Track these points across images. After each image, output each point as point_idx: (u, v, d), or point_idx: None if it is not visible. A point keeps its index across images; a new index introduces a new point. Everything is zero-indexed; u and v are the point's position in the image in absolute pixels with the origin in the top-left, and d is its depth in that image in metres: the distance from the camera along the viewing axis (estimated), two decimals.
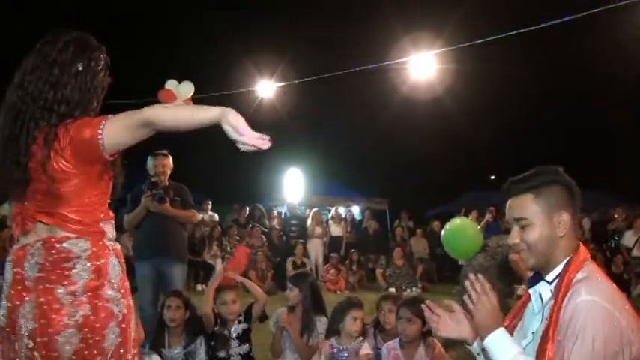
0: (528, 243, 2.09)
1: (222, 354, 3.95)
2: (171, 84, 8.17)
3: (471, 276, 2.17)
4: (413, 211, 15.74)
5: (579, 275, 1.97)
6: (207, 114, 2.07)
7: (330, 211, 14.41)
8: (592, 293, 1.88)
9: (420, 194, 20.06)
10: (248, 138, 2.05)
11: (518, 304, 2.34)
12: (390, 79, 10.97)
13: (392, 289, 10.28)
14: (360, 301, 4.03)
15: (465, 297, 2.15)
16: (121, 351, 2.09)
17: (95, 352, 2.03)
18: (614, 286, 1.99)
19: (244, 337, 4.05)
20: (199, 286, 10.29)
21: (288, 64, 11.52)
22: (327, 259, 12.19)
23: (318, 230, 12.47)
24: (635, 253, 11.56)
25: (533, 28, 7.10)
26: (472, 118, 19.88)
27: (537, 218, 2.07)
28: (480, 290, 2.12)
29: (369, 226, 13.85)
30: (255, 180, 17.65)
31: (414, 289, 10.77)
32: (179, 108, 2.15)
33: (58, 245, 2.05)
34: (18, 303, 2.03)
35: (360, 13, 18.93)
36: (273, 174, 16.90)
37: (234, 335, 4.00)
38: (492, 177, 26.78)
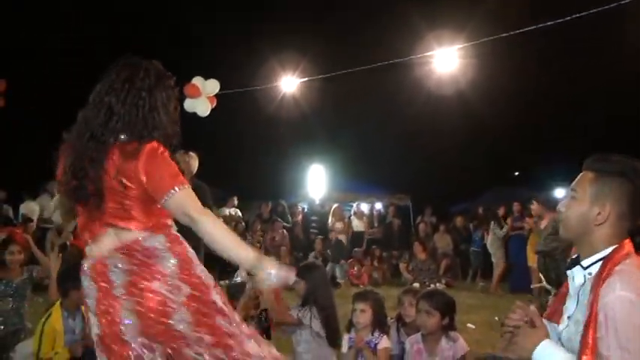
0: (565, 216, 2.12)
1: None
2: (197, 80, 8.32)
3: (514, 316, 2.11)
4: (436, 207, 15.65)
5: (618, 268, 1.93)
6: (246, 257, 2.24)
7: (352, 206, 14.41)
8: (627, 289, 1.85)
9: (443, 190, 19.90)
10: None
11: (562, 288, 2.29)
12: (413, 74, 10.91)
13: (416, 285, 10.26)
14: (367, 294, 4.02)
15: (504, 328, 2.12)
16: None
17: (206, 323, 2.24)
18: None
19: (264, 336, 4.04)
20: (222, 282, 10.35)
21: (311, 59, 11.53)
22: (349, 254, 12.24)
23: (339, 226, 12.51)
24: None
25: (560, 20, 7.02)
26: (496, 114, 19.64)
27: (583, 197, 2.07)
28: (518, 317, 2.08)
29: (393, 222, 13.83)
30: (279, 176, 17.69)
31: (437, 284, 10.73)
32: (227, 235, 2.27)
33: (138, 247, 2.24)
34: (111, 311, 2.21)
35: (383, 9, 18.85)
36: (297, 170, 16.94)
37: None
38: (516, 173, 26.52)
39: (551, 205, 7.16)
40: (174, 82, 2.47)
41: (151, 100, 2.33)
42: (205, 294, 2.28)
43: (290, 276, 2.26)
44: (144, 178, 2.20)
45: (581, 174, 2.14)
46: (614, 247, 2.02)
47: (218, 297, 2.33)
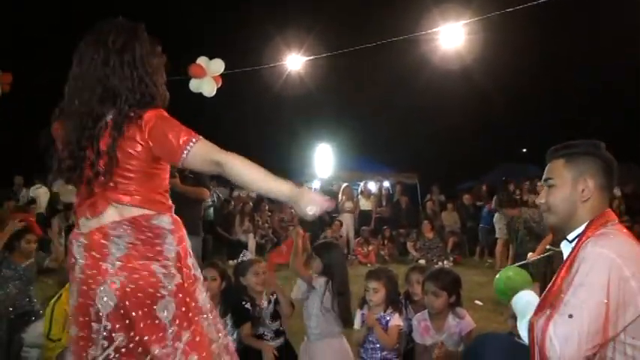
0: (549, 204, 2.24)
1: (255, 331, 3.98)
2: (202, 60, 8.28)
3: None
4: (444, 185, 15.64)
5: (600, 231, 2.06)
6: (280, 189, 2.17)
7: (359, 185, 14.41)
8: (602, 246, 1.96)
9: (450, 168, 19.90)
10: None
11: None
12: (419, 51, 10.82)
13: (423, 262, 10.28)
14: (380, 273, 4.02)
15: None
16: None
17: (191, 313, 2.18)
18: (637, 247, 2.02)
19: (276, 314, 4.07)
20: (231, 262, 10.42)
21: (317, 37, 11.45)
22: (357, 233, 12.29)
23: (349, 205, 12.54)
24: None
25: None
26: (504, 90, 19.56)
27: (562, 181, 2.20)
28: None
29: (400, 200, 13.84)
30: (286, 156, 17.70)
31: (445, 262, 10.76)
32: (257, 170, 2.17)
33: (145, 223, 2.17)
34: (94, 287, 2.11)
35: None
36: (304, 149, 16.93)
37: (267, 314, 4.03)
38: (524, 150, 26.42)
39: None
40: (160, 46, 2.38)
41: (146, 69, 2.25)
42: (192, 287, 2.23)
43: (328, 203, 2.21)
44: (151, 144, 2.13)
45: (550, 164, 2.28)
46: (592, 218, 2.14)
47: (203, 294, 2.30)
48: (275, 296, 4.12)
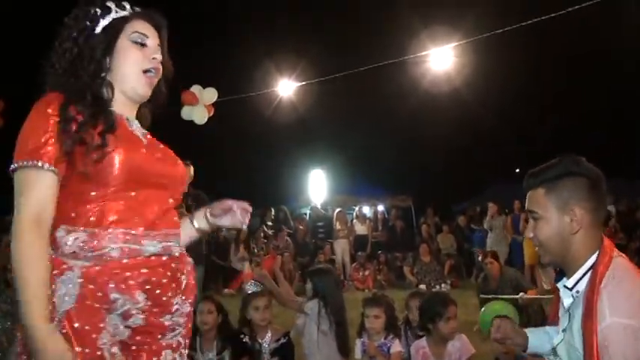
0: (539, 239, 2.00)
1: None
2: (195, 88, 8.31)
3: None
4: (438, 207, 15.60)
5: (603, 285, 1.80)
6: (31, 310, 1.46)
7: (354, 210, 14.37)
8: (616, 313, 1.73)
9: (444, 190, 19.89)
10: None
11: (555, 299, 2.25)
12: (410, 74, 10.88)
13: (422, 286, 10.20)
14: (380, 299, 3.97)
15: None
16: None
17: None
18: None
19: (276, 352, 3.94)
20: (226, 290, 10.33)
21: (308, 63, 11.50)
22: (353, 258, 12.21)
23: (343, 230, 12.48)
24: None
25: (554, 14, 7.01)
26: (496, 110, 19.68)
27: (548, 213, 1.96)
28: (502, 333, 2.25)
29: (395, 224, 13.79)
30: (280, 182, 17.67)
31: (442, 285, 10.68)
32: (35, 269, 1.49)
33: None
34: None
35: (378, 10, 18.84)
36: (297, 175, 16.91)
37: (266, 349, 3.93)
38: (517, 170, 26.51)
39: None
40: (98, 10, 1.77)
41: (57, 47, 1.75)
42: None
43: None
44: None
45: (529, 194, 2.05)
46: (595, 255, 1.91)
47: None
48: (286, 338, 4.00)
